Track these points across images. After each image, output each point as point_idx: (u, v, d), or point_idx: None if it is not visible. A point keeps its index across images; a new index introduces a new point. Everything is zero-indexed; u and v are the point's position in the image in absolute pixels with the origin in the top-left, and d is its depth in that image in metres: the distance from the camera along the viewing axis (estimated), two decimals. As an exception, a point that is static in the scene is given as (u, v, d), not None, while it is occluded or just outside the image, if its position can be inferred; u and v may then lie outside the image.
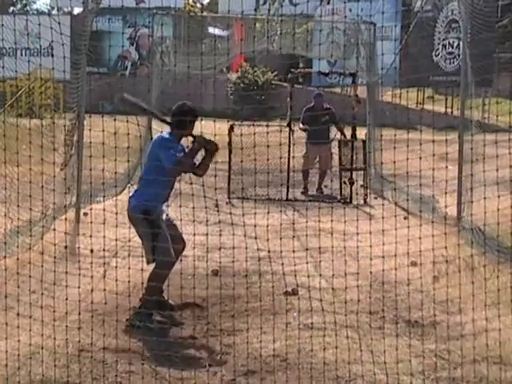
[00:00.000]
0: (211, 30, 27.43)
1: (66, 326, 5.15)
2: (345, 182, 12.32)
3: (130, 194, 6.21)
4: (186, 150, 5.94)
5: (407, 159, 5.54)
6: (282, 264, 5.69)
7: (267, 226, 5.37)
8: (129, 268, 5.25)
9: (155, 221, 5.82)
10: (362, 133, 12.94)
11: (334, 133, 12.96)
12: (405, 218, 8.33)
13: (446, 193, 5.86)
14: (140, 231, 5.92)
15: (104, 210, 5.43)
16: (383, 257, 5.66)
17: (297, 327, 5.41)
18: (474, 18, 9.42)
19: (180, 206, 6.14)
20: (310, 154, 12.90)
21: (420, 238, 5.37)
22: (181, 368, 4.87)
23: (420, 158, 5.39)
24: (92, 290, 5.53)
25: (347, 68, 14.51)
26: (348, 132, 12.39)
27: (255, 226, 5.41)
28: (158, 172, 5.75)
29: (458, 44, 23.28)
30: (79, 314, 5.22)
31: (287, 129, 12.34)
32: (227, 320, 5.70)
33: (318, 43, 17.36)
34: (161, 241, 5.79)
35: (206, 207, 5.40)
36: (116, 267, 5.41)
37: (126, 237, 6.49)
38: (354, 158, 12.21)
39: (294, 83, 13.83)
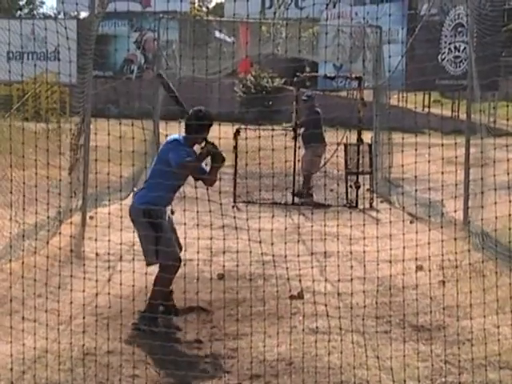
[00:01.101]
0: (218, 34, 27.49)
1: (71, 330, 5.14)
2: (351, 186, 12.29)
3: (134, 193, 6.20)
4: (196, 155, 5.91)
5: (415, 163, 5.52)
6: (287, 268, 5.67)
7: (272, 229, 5.35)
8: (133, 272, 5.23)
9: (157, 224, 5.78)
10: (368, 136, 12.91)
11: (341, 136, 12.89)
12: (411, 222, 8.30)
13: (455, 197, 5.84)
14: (140, 233, 5.89)
15: (109, 213, 5.42)
16: (390, 261, 5.63)
17: (302, 331, 5.39)
18: (480, 21, 9.40)
19: (184, 210, 6.14)
20: (304, 157, 12.76)
21: (429, 244, 5.34)
22: (185, 372, 4.85)
23: (429, 162, 5.37)
24: (97, 294, 5.53)
25: (353, 71, 14.50)
26: (354, 135, 12.34)
27: (259, 230, 5.39)
28: (163, 175, 5.72)
29: (465, 48, 23.25)
30: (83, 318, 5.21)
31: (292, 132, 12.35)
32: (232, 324, 5.68)
33: (324, 46, 17.37)
34: (164, 244, 5.75)
35: (210, 211, 5.38)
36: (120, 271, 5.40)
37: (131, 240, 6.48)
38: (360, 161, 12.18)
39: (300, 87, 13.82)
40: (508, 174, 5.28)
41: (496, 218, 5.39)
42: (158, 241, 5.76)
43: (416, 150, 5.38)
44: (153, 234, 5.78)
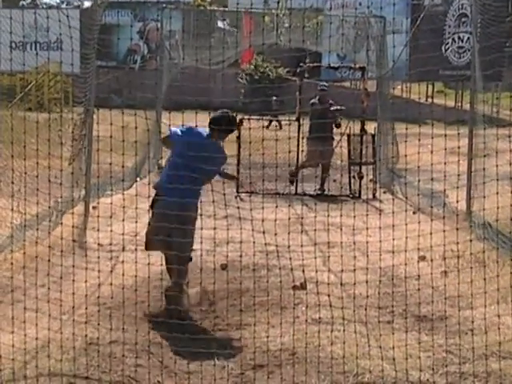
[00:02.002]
0: (220, 24, 27.43)
1: (74, 320, 5.15)
2: (354, 177, 12.27)
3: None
4: None
5: (418, 153, 5.50)
6: (290, 258, 5.67)
7: (275, 220, 5.34)
8: (136, 262, 5.24)
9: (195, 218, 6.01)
10: (371, 127, 12.87)
11: (344, 126, 12.84)
12: (414, 213, 8.29)
13: (457, 187, 5.83)
14: (186, 226, 5.92)
15: (111, 203, 5.41)
16: (392, 252, 5.63)
17: (305, 321, 5.39)
18: (484, 11, 9.36)
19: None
20: (312, 150, 12.57)
21: (431, 234, 5.34)
22: (188, 362, 4.86)
23: (432, 152, 5.36)
24: (100, 284, 5.53)
25: (357, 62, 14.45)
26: (357, 126, 12.29)
27: (263, 220, 5.39)
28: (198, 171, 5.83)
29: (468, 38, 23.16)
30: (86, 308, 5.22)
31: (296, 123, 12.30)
32: (235, 314, 5.68)
33: (328, 37, 17.32)
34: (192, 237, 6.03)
35: (213, 201, 5.37)
36: (123, 261, 5.40)
37: (134, 231, 6.48)
38: (363, 152, 12.16)
39: (303, 77, 13.76)
40: (510, 164, 5.27)
41: (498, 208, 5.38)
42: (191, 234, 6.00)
43: (419, 140, 5.36)
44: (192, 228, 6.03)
